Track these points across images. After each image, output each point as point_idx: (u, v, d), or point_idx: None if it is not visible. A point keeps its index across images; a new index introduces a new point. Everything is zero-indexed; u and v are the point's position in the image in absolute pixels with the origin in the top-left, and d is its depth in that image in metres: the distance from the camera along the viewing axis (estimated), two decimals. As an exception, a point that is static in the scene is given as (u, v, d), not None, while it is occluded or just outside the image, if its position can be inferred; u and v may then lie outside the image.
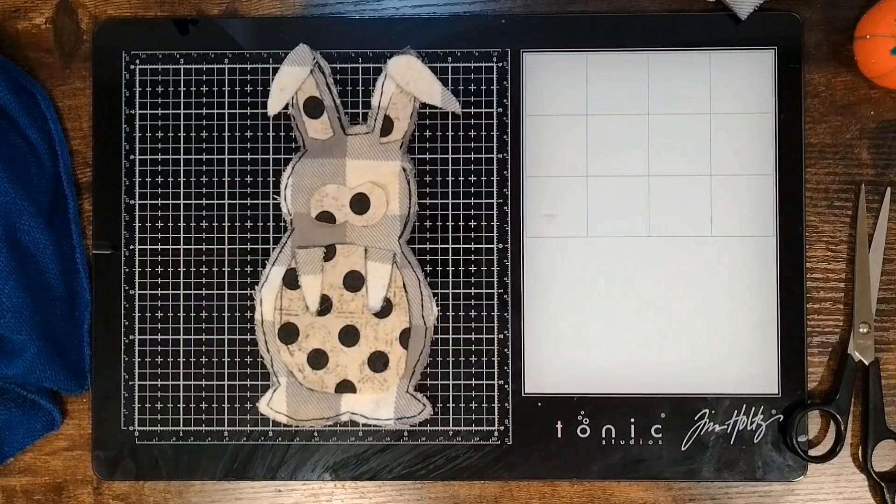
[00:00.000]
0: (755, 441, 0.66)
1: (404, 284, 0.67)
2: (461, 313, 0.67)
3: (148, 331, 0.67)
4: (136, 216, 0.68)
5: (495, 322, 0.67)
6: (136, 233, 0.68)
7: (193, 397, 0.67)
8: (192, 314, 0.67)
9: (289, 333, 0.67)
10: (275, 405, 0.67)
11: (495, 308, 0.67)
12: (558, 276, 0.67)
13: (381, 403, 0.67)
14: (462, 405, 0.67)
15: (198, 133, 0.68)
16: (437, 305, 0.67)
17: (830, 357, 0.67)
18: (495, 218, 0.67)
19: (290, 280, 0.67)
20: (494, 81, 0.67)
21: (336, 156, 0.67)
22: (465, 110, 0.67)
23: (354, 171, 0.67)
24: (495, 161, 0.67)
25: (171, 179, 0.68)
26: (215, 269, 0.67)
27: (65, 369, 0.65)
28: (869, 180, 0.67)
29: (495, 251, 0.67)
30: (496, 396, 0.67)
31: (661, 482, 0.67)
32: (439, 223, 0.67)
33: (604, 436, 0.66)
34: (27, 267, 0.65)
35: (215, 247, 0.67)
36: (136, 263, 0.67)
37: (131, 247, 0.68)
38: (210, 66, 0.68)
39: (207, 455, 0.67)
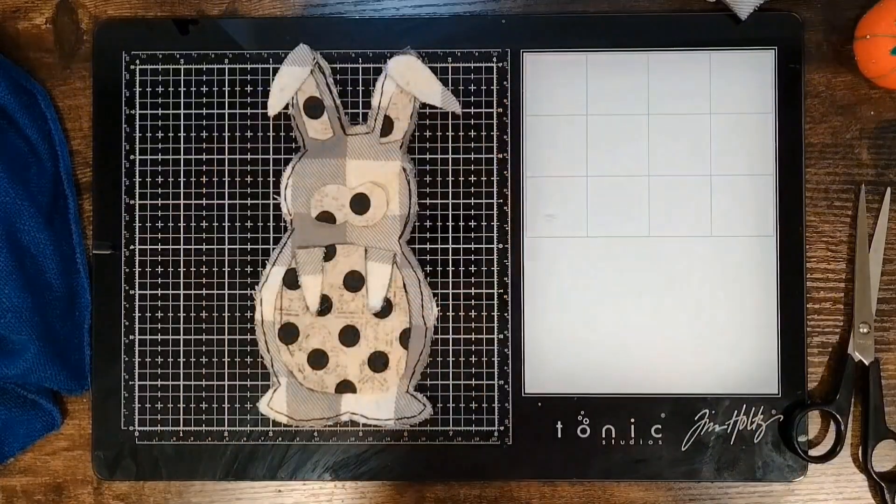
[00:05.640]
0: (755, 441, 0.66)
1: (404, 284, 0.67)
2: (461, 313, 0.67)
3: (148, 331, 0.67)
4: (136, 216, 0.68)
5: (495, 322, 0.67)
6: (136, 233, 0.68)
7: (193, 397, 0.67)
8: (192, 314, 0.67)
9: (289, 333, 0.67)
10: (275, 405, 0.67)
11: (495, 308, 0.67)
12: (558, 276, 0.67)
13: (381, 403, 0.67)
14: (462, 405, 0.67)
15: (198, 133, 0.68)
16: (437, 305, 0.67)
17: (830, 357, 0.67)
18: (495, 218, 0.67)
19: (291, 280, 0.67)
20: (494, 81, 0.67)
21: (336, 156, 0.67)
22: (465, 110, 0.67)
23: (354, 171, 0.67)
24: (495, 161, 0.67)
25: (171, 179, 0.68)
26: (215, 269, 0.67)
27: (65, 369, 0.66)
28: (869, 180, 0.67)
29: (495, 251, 0.67)
30: (496, 396, 0.67)
31: (661, 482, 0.67)
32: (439, 223, 0.67)
33: (604, 436, 0.66)
34: (27, 267, 0.65)
35: (215, 247, 0.67)
36: (136, 263, 0.68)
37: (131, 247, 0.68)
38: (210, 66, 0.68)
39: (207, 455, 0.67)
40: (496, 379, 0.67)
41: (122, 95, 0.68)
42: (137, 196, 0.68)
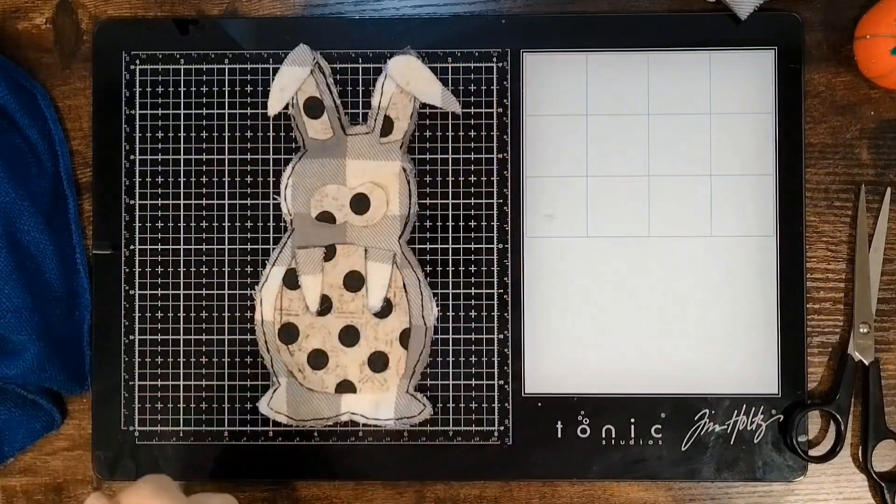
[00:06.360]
0: (755, 441, 0.66)
1: (404, 284, 0.67)
2: (461, 313, 0.67)
3: (148, 331, 0.67)
4: (136, 216, 0.68)
5: (495, 322, 0.67)
6: (136, 233, 0.68)
7: (193, 397, 0.67)
8: (192, 314, 0.67)
9: (289, 333, 0.67)
10: (275, 405, 0.67)
11: (495, 308, 0.67)
12: (558, 276, 0.67)
13: (381, 404, 0.67)
14: (462, 405, 0.67)
15: (198, 133, 0.68)
16: (437, 305, 0.67)
17: (830, 357, 0.67)
18: (495, 218, 0.67)
19: (291, 280, 0.67)
20: (494, 81, 0.67)
21: (336, 156, 0.67)
22: (465, 110, 0.67)
23: (354, 171, 0.67)
24: (495, 161, 0.67)
25: (171, 179, 0.68)
26: (215, 269, 0.67)
27: (65, 369, 0.66)
28: (869, 180, 0.67)
29: (495, 251, 0.67)
30: (496, 396, 0.67)
31: (661, 482, 0.67)
32: (439, 223, 0.67)
33: (604, 436, 0.66)
34: (27, 267, 0.65)
35: (215, 247, 0.67)
36: (136, 263, 0.68)
37: (131, 247, 0.68)
38: (210, 66, 0.68)
39: (207, 455, 0.67)
40: (496, 379, 0.67)
41: (122, 95, 0.68)
42: (137, 196, 0.68)
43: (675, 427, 0.66)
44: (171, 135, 0.68)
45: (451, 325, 0.67)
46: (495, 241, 0.67)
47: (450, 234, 0.67)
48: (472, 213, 0.67)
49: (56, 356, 0.65)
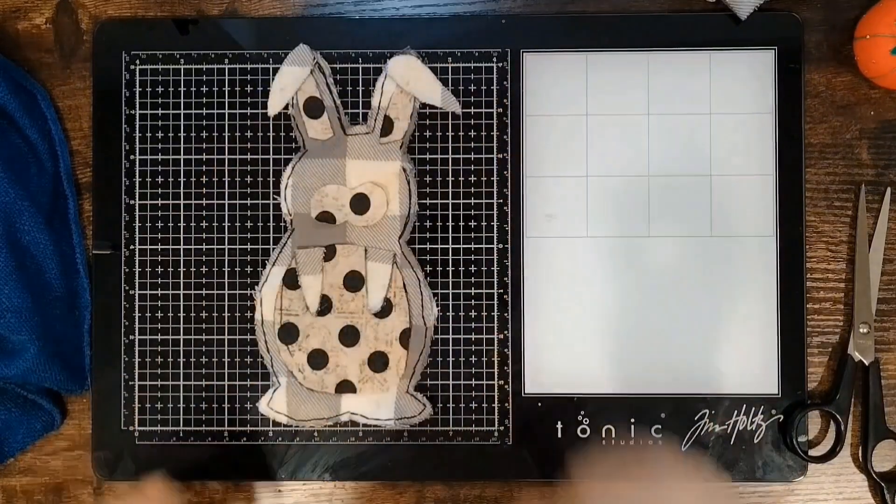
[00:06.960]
0: (755, 441, 0.66)
1: (404, 284, 0.67)
2: (461, 313, 0.67)
3: (148, 331, 0.67)
4: (136, 216, 0.68)
5: (495, 322, 0.67)
6: (136, 233, 0.68)
7: (193, 397, 0.67)
8: (192, 314, 0.67)
9: (289, 333, 0.67)
10: (275, 405, 0.67)
11: (495, 308, 0.67)
12: (558, 276, 0.67)
13: (381, 403, 0.67)
14: (462, 405, 0.67)
15: (198, 133, 0.68)
16: (437, 305, 0.67)
17: (830, 357, 0.67)
18: (495, 218, 0.67)
19: (291, 280, 0.67)
20: (494, 81, 0.67)
21: (336, 156, 0.67)
22: (465, 110, 0.67)
23: (354, 171, 0.67)
24: (495, 161, 0.67)
25: (171, 179, 0.68)
26: (215, 269, 0.67)
27: (65, 369, 0.66)
28: (869, 180, 0.67)
29: (495, 251, 0.67)
30: (496, 396, 0.67)
31: (661, 482, 0.67)
32: (439, 223, 0.67)
33: (604, 436, 0.66)
34: (27, 267, 0.65)
35: (215, 247, 0.67)
36: (136, 263, 0.68)
37: (131, 247, 0.68)
38: (210, 66, 0.68)
39: (207, 455, 0.67)
40: (496, 379, 0.67)
41: (122, 95, 0.68)
42: (137, 196, 0.68)
43: (675, 427, 0.66)
44: (171, 135, 0.68)
45: (451, 325, 0.67)
46: (495, 241, 0.67)
47: (450, 234, 0.67)
48: (472, 213, 0.67)
49: (56, 356, 0.65)
